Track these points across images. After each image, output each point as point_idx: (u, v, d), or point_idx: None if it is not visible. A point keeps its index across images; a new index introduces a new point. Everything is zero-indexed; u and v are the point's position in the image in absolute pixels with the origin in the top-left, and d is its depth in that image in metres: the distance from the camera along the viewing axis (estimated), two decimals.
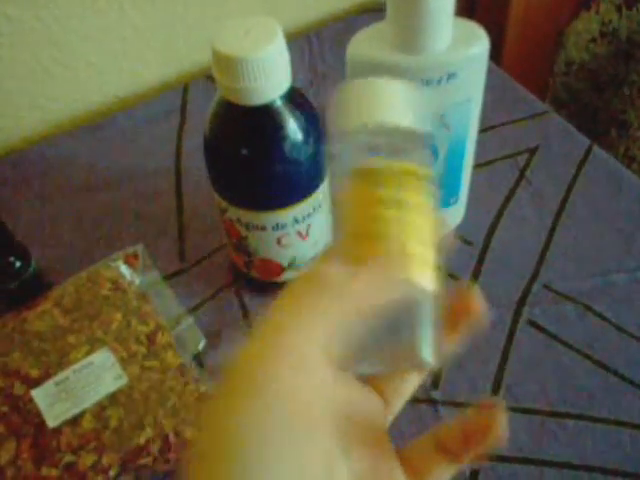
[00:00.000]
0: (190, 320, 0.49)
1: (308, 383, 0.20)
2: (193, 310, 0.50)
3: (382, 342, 0.23)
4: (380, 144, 0.25)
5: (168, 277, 0.52)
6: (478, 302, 0.25)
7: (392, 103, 0.25)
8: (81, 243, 0.55)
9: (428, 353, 0.23)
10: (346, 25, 0.71)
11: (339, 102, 0.25)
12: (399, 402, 0.28)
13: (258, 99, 0.38)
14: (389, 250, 0.23)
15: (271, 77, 0.37)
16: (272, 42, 0.37)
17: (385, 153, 0.24)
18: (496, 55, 0.82)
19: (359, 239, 0.23)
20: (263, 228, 0.44)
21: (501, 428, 0.24)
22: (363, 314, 0.22)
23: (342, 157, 0.25)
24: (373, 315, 0.22)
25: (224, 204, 0.44)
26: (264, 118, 0.39)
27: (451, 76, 0.41)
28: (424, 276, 0.23)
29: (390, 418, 0.27)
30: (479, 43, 0.41)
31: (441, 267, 0.24)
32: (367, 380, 0.26)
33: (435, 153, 0.46)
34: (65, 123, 0.66)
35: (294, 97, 0.40)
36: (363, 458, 0.24)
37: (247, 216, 0.43)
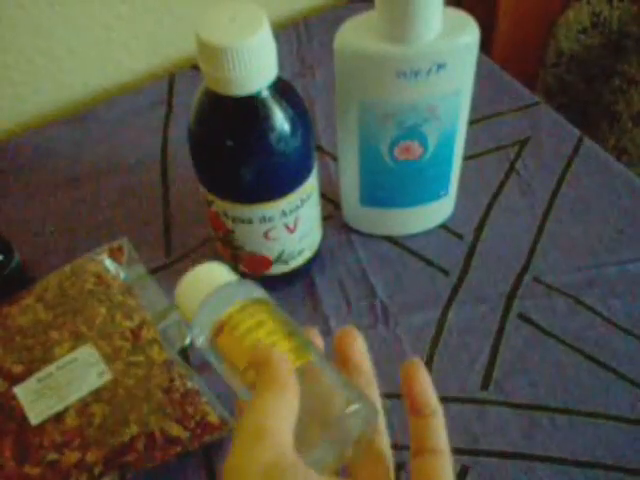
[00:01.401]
0: (176, 314, 0.48)
1: None
2: None
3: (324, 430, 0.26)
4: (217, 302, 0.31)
5: (154, 271, 0.51)
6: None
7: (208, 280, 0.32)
8: (65, 236, 0.54)
9: (355, 398, 0.27)
10: (336, 14, 0.70)
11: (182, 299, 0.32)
12: None
13: (243, 89, 0.37)
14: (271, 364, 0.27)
15: (257, 67, 0.36)
16: (258, 30, 0.36)
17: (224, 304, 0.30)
18: (486, 46, 0.81)
19: (247, 370, 0.28)
20: (250, 221, 0.43)
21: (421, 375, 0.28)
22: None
23: (201, 330, 0.30)
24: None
25: (210, 197, 0.43)
26: (250, 109, 0.38)
27: (440, 66, 0.40)
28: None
29: None
30: (469, 33, 0.41)
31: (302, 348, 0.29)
32: None
33: (425, 143, 0.45)
34: (49, 115, 0.65)
35: (281, 87, 0.39)
36: None
37: (233, 209, 0.43)
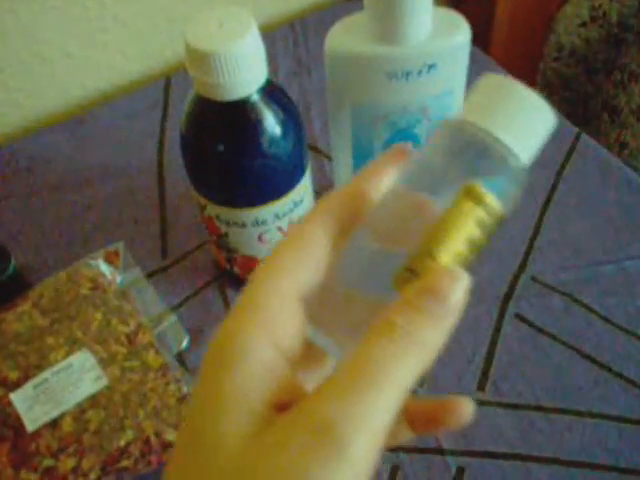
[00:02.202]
0: (173, 318, 0.48)
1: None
2: (176, 308, 0.49)
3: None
4: (496, 160, 0.24)
5: (150, 274, 0.51)
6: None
7: (528, 124, 0.25)
8: (61, 241, 0.54)
9: None
10: (331, 12, 0.70)
11: (477, 94, 0.25)
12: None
13: (233, 94, 0.37)
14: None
15: (246, 71, 0.36)
16: (246, 36, 0.36)
17: (491, 175, 0.24)
18: (485, 41, 0.81)
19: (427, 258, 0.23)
20: (243, 225, 0.43)
21: (466, 415, 0.23)
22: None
23: (462, 148, 0.24)
24: None
25: (203, 201, 0.43)
26: (240, 113, 0.38)
27: (432, 67, 0.40)
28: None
29: None
30: (460, 32, 0.40)
31: None
32: None
33: (418, 145, 0.45)
34: (45, 119, 0.65)
35: (271, 91, 0.39)
36: None
37: (226, 213, 0.43)
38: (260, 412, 0.20)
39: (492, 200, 0.23)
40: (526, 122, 0.25)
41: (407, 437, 0.25)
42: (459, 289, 0.22)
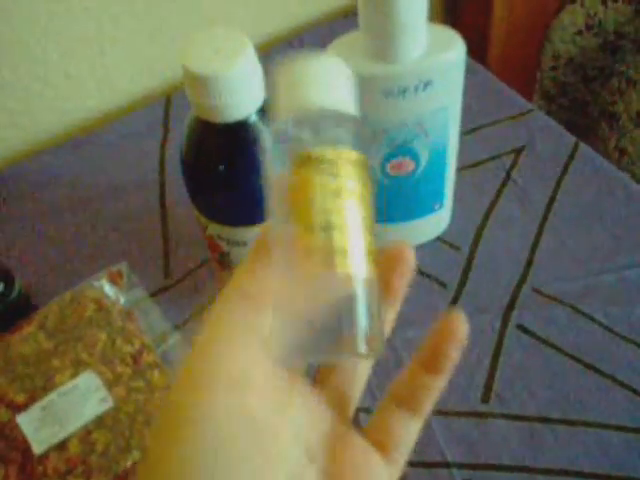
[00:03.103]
0: (177, 336, 0.48)
1: (247, 400, 0.21)
2: (180, 326, 0.50)
3: (320, 335, 0.23)
4: (319, 129, 0.25)
5: (153, 294, 0.51)
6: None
7: (331, 86, 0.26)
8: (65, 263, 0.54)
9: (362, 342, 0.23)
10: (329, 30, 0.70)
11: (278, 83, 0.26)
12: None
13: (232, 116, 0.37)
14: (324, 245, 0.23)
15: (244, 93, 0.37)
16: (243, 57, 0.36)
17: (322, 138, 0.24)
18: (482, 52, 0.81)
19: (302, 230, 0.23)
20: (244, 244, 0.43)
21: (461, 331, 0.25)
22: (295, 315, 0.22)
23: (281, 140, 0.25)
24: (306, 314, 0.23)
25: (204, 220, 0.43)
26: (239, 135, 0.39)
27: (427, 84, 0.41)
28: (357, 266, 0.23)
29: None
30: (455, 49, 0.41)
31: (376, 252, 0.24)
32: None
33: (417, 160, 0.45)
34: (46, 141, 0.66)
35: (270, 110, 0.40)
36: (330, 456, 0.24)
37: (227, 232, 0.43)
38: None
39: (320, 151, 0.23)
40: (320, 81, 0.25)
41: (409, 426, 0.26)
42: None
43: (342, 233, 0.23)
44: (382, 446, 0.25)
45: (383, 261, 0.25)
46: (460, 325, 0.25)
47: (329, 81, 0.26)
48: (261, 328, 0.22)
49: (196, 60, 0.36)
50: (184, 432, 0.20)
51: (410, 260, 0.26)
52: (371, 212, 0.25)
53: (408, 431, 0.25)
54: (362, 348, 0.23)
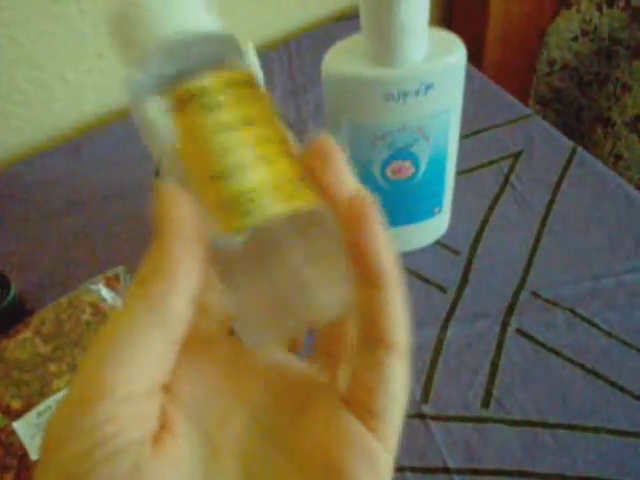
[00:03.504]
0: None
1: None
2: None
3: (267, 293, 0.20)
4: (189, 57, 0.20)
5: None
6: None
7: (177, 9, 0.21)
8: (61, 267, 0.54)
9: (325, 297, 0.20)
10: (326, 32, 0.70)
11: (119, 32, 0.21)
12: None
13: None
14: (239, 190, 0.19)
15: None
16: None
17: (197, 67, 0.20)
18: (477, 57, 0.82)
19: (208, 184, 0.19)
20: None
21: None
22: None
23: (147, 85, 0.21)
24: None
25: None
26: None
27: (428, 87, 0.41)
28: (292, 197, 0.19)
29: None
30: (456, 53, 0.41)
31: (306, 176, 0.20)
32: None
33: (417, 163, 0.45)
34: (43, 144, 0.65)
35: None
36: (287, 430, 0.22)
37: None
38: None
39: (193, 84, 0.19)
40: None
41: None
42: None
43: (257, 168, 0.19)
44: (358, 403, 0.21)
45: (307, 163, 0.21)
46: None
47: (168, 3, 0.21)
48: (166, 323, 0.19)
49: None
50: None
51: (334, 150, 0.21)
52: (282, 132, 0.20)
53: (383, 373, 0.21)
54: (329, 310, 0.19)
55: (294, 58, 0.70)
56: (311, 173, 0.21)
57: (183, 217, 0.19)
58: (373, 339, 0.21)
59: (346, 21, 0.73)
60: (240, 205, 0.18)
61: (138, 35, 0.21)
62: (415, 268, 0.52)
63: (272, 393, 0.23)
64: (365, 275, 0.20)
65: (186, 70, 0.20)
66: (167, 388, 0.21)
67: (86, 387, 0.19)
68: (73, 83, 0.63)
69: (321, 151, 0.21)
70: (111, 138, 0.63)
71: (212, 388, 0.23)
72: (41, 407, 0.42)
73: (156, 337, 0.19)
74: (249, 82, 0.20)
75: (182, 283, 0.19)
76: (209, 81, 0.19)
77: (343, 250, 0.20)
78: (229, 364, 0.24)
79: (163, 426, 0.20)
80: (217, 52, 0.21)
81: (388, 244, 0.20)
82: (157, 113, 0.20)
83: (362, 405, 0.21)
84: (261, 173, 0.19)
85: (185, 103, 0.19)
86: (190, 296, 0.20)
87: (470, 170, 0.58)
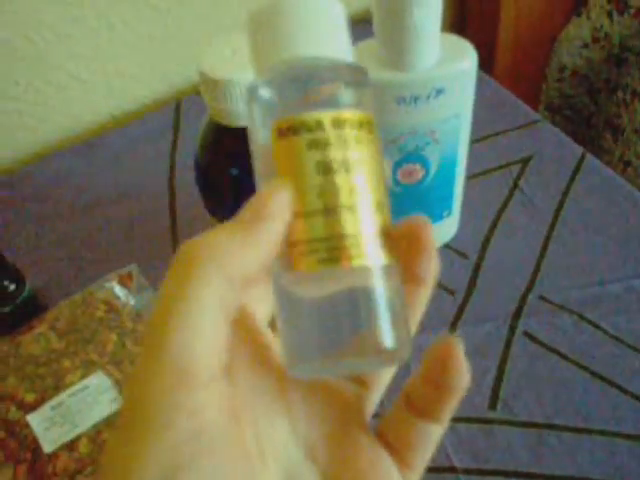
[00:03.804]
0: None
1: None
2: None
3: (335, 334, 0.20)
4: (310, 84, 0.20)
5: None
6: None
7: (317, 28, 0.20)
8: (75, 264, 0.55)
9: (390, 338, 0.20)
10: None
11: (254, 31, 0.21)
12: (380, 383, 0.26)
13: (246, 120, 0.38)
14: (325, 233, 0.19)
15: None
16: None
17: (310, 97, 0.20)
18: (488, 63, 0.82)
19: (294, 217, 0.19)
20: None
21: (458, 358, 0.22)
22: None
23: (266, 104, 0.20)
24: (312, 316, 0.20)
25: (216, 223, 0.44)
26: None
27: (439, 91, 0.41)
28: (371, 254, 0.20)
29: (375, 400, 0.25)
30: (467, 58, 0.41)
31: (393, 230, 0.21)
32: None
33: (427, 166, 0.46)
34: (57, 143, 0.66)
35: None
36: (333, 457, 0.23)
37: None
38: None
39: (306, 116, 0.19)
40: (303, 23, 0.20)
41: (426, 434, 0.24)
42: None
43: (346, 216, 0.19)
44: (396, 449, 0.23)
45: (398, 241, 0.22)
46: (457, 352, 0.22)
47: (314, 22, 0.20)
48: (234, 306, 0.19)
49: (213, 64, 0.37)
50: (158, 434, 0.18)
51: (429, 238, 0.22)
52: (382, 182, 0.20)
53: (425, 435, 0.23)
54: (388, 342, 0.20)
55: None
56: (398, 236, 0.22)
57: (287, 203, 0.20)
58: (427, 417, 0.23)
59: (359, 25, 0.73)
60: (322, 250, 0.19)
61: (271, 47, 0.20)
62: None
63: (313, 406, 0.23)
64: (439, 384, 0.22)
65: (305, 94, 0.20)
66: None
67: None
68: (88, 84, 0.64)
69: (414, 233, 0.22)
70: (125, 139, 0.64)
71: (261, 386, 0.22)
72: (54, 401, 0.43)
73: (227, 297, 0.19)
74: (365, 124, 0.20)
75: (277, 227, 0.20)
76: (321, 117, 0.19)
77: (405, 307, 0.21)
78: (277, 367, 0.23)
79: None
80: (343, 83, 0.20)
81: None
82: (264, 131, 0.20)
83: (399, 455, 0.23)
84: (351, 221, 0.19)
85: (291, 131, 0.19)
86: (272, 251, 0.20)
87: (480, 174, 0.58)
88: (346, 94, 0.20)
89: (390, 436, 0.24)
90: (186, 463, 0.18)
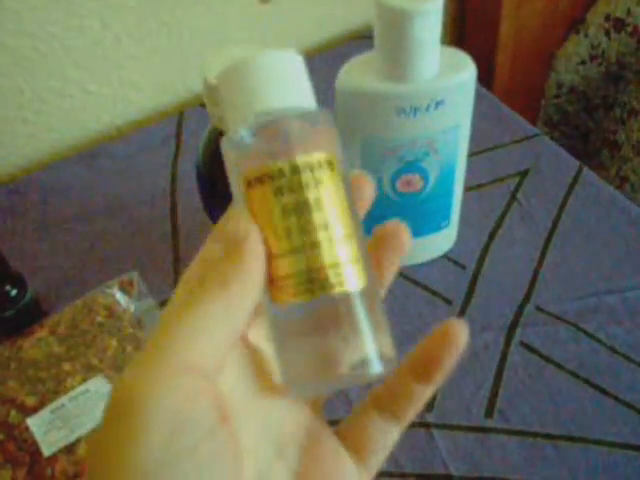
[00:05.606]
0: None
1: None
2: None
3: (324, 358, 0.22)
4: (278, 135, 0.22)
5: (163, 303, 0.52)
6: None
7: (282, 81, 0.23)
8: (77, 270, 0.55)
9: (374, 360, 0.22)
10: (338, 52, 0.72)
11: (224, 91, 0.23)
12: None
13: None
14: (299, 268, 0.21)
15: None
16: None
17: (279, 143, 0.22)
18: (487, 78, 0.83)
19: (271, 256, 0.21)
20: None
21: (460, 338, 0.23)
22: None
23: (239, 149, 0.22)
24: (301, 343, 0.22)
25: None
26: None
27: (439, 103, 0.42)
28: (344, 279, 0.22)
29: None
30: (466, 70, 0.42)
31: (363, 256, 0.23)
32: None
33: (426, 177, 0.47)
34: (61, 151, 0.67)
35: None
36: (300, 454, 0.24)
37: None
38: None
39: (274, 165, 0.21)
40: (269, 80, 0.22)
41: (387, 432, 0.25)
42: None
43: (315, 250, 0.21)
44: (356, 449, 0.25)
45: (375, 241, 0.24)
46: (460, 332, 0.23)
47: (279, 76, 0.23)
48: (235, 319, 0.21)
49: (216, 72, 0.37)
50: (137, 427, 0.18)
51: (404, 237, 0.25)
52: (348, 214, 0.22)
53: (386, 437, 0.25)
54: (376, 367, 0.22)
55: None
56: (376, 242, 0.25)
57: (261, 244, 0.22)
58: (392, 415, 0.24)
59: (355, 40, 0.74)
60: (300, 283, 0.21)
61: (241, 101, 0.22)
62: (422, 280, 0.53)
63: (284, 405, 0.24)
64: (422, 373, 0.24)
65: (272, 150, 0.22)
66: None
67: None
68: (93, 94, 0.65)
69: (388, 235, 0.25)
70: (128, 149, 0.65)
71: (244, 382, 0.23)
72: (55, 405, 0.43)
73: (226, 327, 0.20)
74: (325, 164, 0.22)
75: (255, 293, 0.21)
76: (282, 165, 0.21)
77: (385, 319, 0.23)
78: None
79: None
80: (307, 129, 0.22)
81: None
82: (237, 176, 0.22)
83: (358, 455, 0.25)
84: (319, 256, 0.21)
85: (261, 180, 0.21)
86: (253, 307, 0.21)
87: (478, 187, 0.59)
88: (307, 138, 0.22)
89: (352, 436, 0.25)
90: (171, 461, 0.18)
